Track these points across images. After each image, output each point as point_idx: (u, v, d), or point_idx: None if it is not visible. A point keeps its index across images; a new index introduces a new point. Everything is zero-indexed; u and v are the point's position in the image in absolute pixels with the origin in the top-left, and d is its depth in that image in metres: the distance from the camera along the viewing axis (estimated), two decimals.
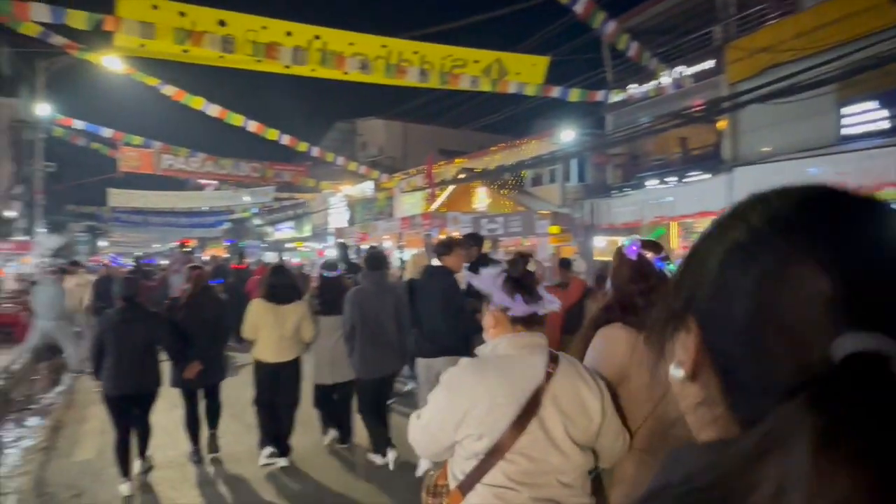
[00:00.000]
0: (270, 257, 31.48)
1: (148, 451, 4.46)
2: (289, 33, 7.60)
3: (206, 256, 31.68)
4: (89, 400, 6.83)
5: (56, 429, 5.81)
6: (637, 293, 1.70)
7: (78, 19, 6.59)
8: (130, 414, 4.25)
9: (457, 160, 21.13)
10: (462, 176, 19.43)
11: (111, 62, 9.65)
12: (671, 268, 1.73)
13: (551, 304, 1.60)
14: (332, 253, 12.86)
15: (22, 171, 20.67)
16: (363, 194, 25.04)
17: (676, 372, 0.46)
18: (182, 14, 6.92)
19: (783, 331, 0.36)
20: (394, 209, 23.47)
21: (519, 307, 1.55)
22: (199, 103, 10.24)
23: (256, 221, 37.36)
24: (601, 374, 1.61)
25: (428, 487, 1.60)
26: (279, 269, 5.22)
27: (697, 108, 11.49)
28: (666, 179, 13.67)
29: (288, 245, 36.12)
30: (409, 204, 22.80)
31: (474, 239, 5.25)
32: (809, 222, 0.39)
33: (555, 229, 14.27)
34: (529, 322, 1.57)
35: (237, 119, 11.00)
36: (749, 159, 11.15)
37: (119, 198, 23.94)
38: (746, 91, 9.14)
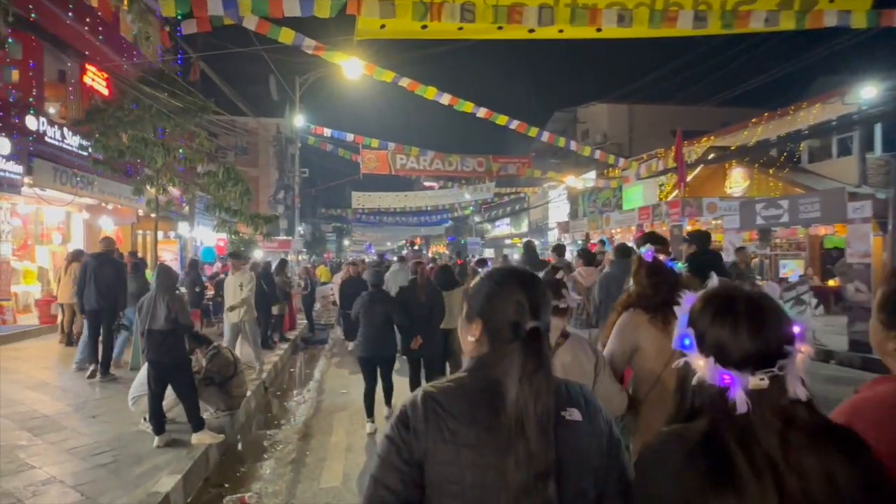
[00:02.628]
0: (489, 254, 31.54)
1: (392, 402, 5.75)
2: None
3: (430, 253, 33.10)
4: (335, 405, 6.59)
5: (305, 437, 5.53)
6: (652, 286, 2.44)
7: (323, 7, 6.39)
8: (376, 371, 5.67)
9: (703, 139, 18.08)
10: (712, 156, 16.42)
11: (351, 66, 9.71)
12: (680, 266, 2.53)
13: (572, 301, 2.46)
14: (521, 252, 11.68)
15: (283, 179, 23.64)
16: (586, 185, 23.19)
17: (472, 338, 1.23)
18: None
19: (511, 317, 1.19)
20: (623, 200, 21.25)
21: None
22: (432, 93, 9.88)
23: (476, 219, 38.05)
24: (596, 349, 2.39)
25: None
26: (444, 268, 7.20)
27: None
28: None
29: (506, 241, 35.95)
30: (636, 194, 20.38)
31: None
32: (518, 282, 1.25)
33: None
34: (553, 312, 2.27)
35: (468, 106, 10.43)
36: None
37: (360, 200, 26.04)
38: None
